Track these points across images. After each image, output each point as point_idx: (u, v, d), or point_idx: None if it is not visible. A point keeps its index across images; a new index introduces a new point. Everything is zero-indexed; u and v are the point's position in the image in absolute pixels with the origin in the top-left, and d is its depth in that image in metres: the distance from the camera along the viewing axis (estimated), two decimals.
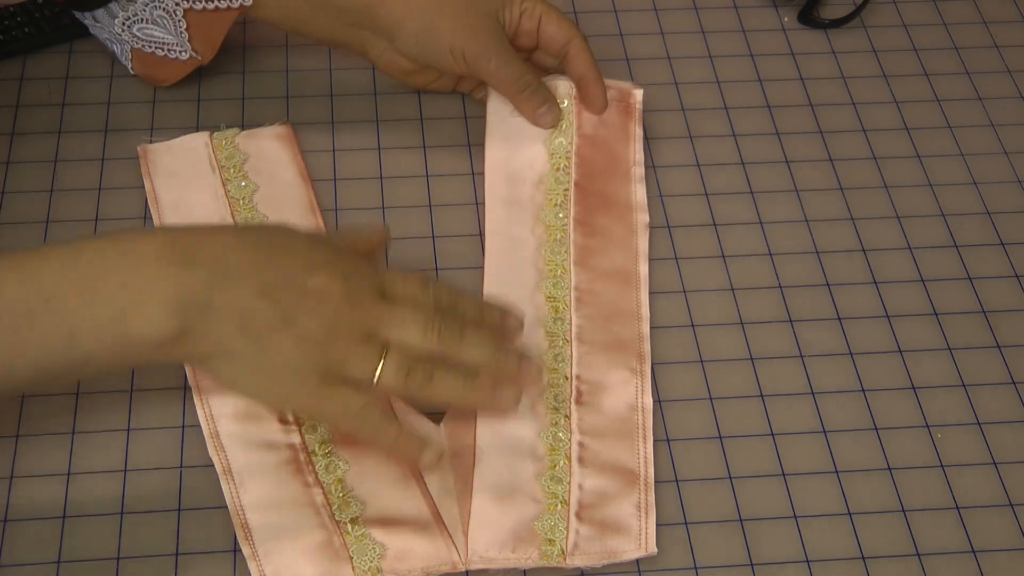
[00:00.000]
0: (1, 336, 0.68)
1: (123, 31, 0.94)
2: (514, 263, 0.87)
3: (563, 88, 0.94)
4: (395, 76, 0.96)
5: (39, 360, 0.69)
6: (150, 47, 0.94)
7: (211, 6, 0.91)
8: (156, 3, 0.92)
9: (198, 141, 0.93)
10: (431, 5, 0.90)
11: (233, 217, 0.88)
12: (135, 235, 0.73)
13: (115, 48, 0.97)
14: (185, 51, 0.94)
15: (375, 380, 0.73)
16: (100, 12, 0.94)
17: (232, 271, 0.72)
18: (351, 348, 0.73)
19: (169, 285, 0.70)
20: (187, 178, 0.91)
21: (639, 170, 0.92)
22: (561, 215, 0.90)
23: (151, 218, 0.88)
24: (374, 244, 0.83)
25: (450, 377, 0.75)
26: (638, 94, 0.96)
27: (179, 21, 0.92)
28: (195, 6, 0.91)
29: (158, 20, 0.92)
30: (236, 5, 0.91)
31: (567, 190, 0.91)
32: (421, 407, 0.79)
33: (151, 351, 0.71)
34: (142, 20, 0.93)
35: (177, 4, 0.91)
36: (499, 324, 0.79)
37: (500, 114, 0.94)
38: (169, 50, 0.94)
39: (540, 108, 0.92)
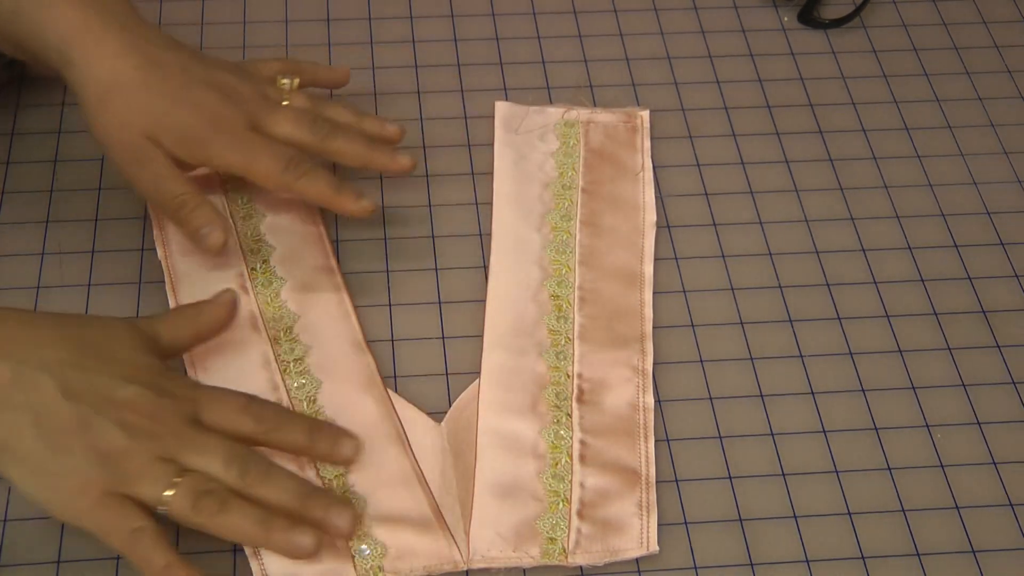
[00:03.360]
0: None
1: None
2: (519, 261, 0.87)
3: (554, 114, 0.95)
4: None
5: None
6: None
7: None
8: None
9: None
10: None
11: (232, 217, 0.88)
12: None
13: None
14: None
15: (160, 503, 0.69)
16: None
17: (40, 366, 0.69)
18: (144, 467, 0.69)
19: None
20: None
21: (647, 175, 0.93)
22: (568, 217, 0.90)
23: (150, 218, 0.88)
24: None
25: (244, 512, 0.70)
26: (644, 115, 0.96)
27: None
28: None
29: None
30: None
31: (574, 196, 0.91)
32: (219, 536, 0.71)
33: None
34: None
35: None
36: (328, 452, 0.75)
37: (508, 131, 0.94)
38: None
39: (204, 228, 0.82)
